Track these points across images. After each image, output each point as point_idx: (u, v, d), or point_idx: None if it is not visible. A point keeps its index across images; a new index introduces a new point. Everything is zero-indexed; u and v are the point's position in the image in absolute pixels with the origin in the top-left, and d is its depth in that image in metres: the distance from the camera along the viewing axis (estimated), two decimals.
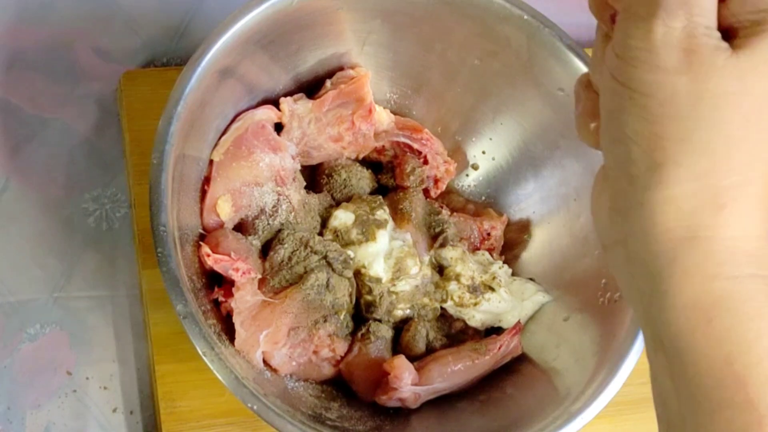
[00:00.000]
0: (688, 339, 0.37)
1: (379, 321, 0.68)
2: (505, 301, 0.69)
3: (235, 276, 0.62)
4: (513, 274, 0.72)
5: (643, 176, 0.37)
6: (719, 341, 0.36)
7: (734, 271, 0.36)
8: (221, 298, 0.63)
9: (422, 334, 0.68)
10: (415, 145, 0.72)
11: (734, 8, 0.36)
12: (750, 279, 0.36)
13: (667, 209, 0.37)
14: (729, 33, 0.37)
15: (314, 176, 0.72)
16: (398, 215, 0.70)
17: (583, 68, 0.67)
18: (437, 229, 0.71)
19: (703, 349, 0.36)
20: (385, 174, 0.74)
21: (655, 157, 0.36)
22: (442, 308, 0.70)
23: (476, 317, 0.69)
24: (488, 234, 0.73)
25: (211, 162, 0.65)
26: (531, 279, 0.72)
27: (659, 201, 0.37)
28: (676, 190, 0.36)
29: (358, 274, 0.67)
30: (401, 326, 0.69)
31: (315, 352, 0.65)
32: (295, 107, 0.68)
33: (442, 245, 0.70)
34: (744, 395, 0.35)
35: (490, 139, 0.74)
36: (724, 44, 0.36)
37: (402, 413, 0.66)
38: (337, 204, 0.70)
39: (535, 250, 0.73)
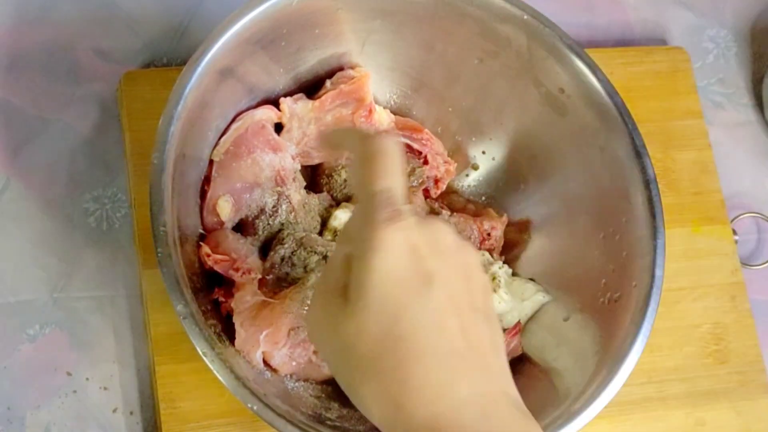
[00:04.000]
0: None
1: None
2: (505, 302, 0.69)
3: (235, 276, 0.62)
4: (513, 274, 0.72)
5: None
6: None
7: None
8: (221, 299, 0.63)
9: None
10: (415, 145, 0.72)
11: None
12: None
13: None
14: None
15: (314, 176, 0.72)
16: None
17: (583, 68, 0.67)
18: None
19: None
20: None
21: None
22: None
23: None
24: (488, 234, 0.72)
25: (211, 162, 0.65)
26: (531, 279, 0.71)
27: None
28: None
29: None
30: None
31: (315, 352, 0.65)
32: (295, 107, 0.68)
33: None
34: None
35: (491, 139, 0.74)
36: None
37: None
38: (337, 204, 0.70)
39: (535, 250, 0.73)
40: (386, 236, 0.44)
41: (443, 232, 0.47)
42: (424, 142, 0.72)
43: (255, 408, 0.56)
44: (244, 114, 0.66)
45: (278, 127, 0.69)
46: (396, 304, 0.44)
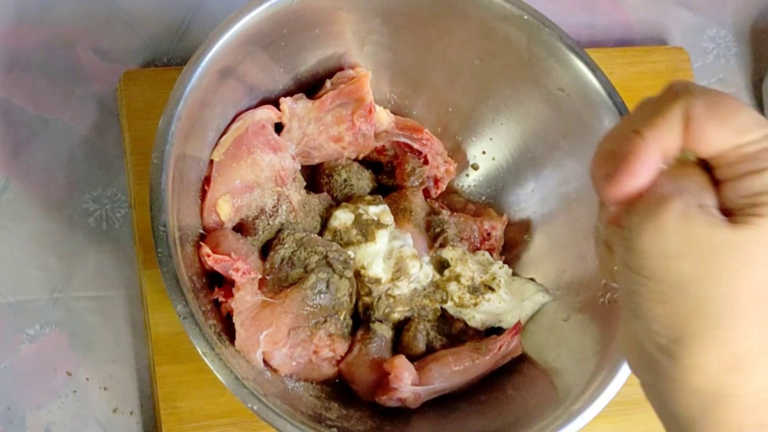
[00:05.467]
0: None
1: (380, 321, 0.68)
2: (505, 302, 0.69)
3: (236, 276, 0.62)
4: (513, 274, 0.72)
5: (667, 347, 0.40)
6: None
7: (760, 421, 0.40)
8: (221, 299, 0.63)
9: (422, 334, 0.68)
10: (415, 145, 0.72)
11: (728, 193, 0.40)
12: None
13: (694, 374, 0.39)
14: (727, 212, 0.40)
15: (314, 176, 0.72)
16: (398, 215, 0.70)
17: (583, 68, 0.67)
18: (437, 229, 0.71)
19: None
20: (385, 174, 0.74)
21: (676, 332, 0.39)
22: (442, 309, 0.70)
23: (476, 317, 0.69)
24: (488, 234, 0.72)
25: (211, 162, 0.65)
26: (531, 279, 0.71)
27: (685, 367, 0.40)
28: (700, 359, 0.39)
29: (357, 274, 0.67)
30: (401, 326, 0.69)
31: (315, 352, 0.65)
32: (295, 107, 0.68)
33: (442, 245, 0.70)
34: None
35: (491, 139, 0.74)
36: (721, 220, 0.39)
37: (402, 413, 0.66)
38: (337, 204, 0.70)
39: (535, 250, 0.73)
40: None
41: None
42: (424, 142, 0.72)
43: (255, 408, 0.56)
44: (244, 114, 0.66)
45: (278, 127, 0.69)
46: None
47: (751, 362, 0.39)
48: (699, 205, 0.39)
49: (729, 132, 0.39)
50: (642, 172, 0.40)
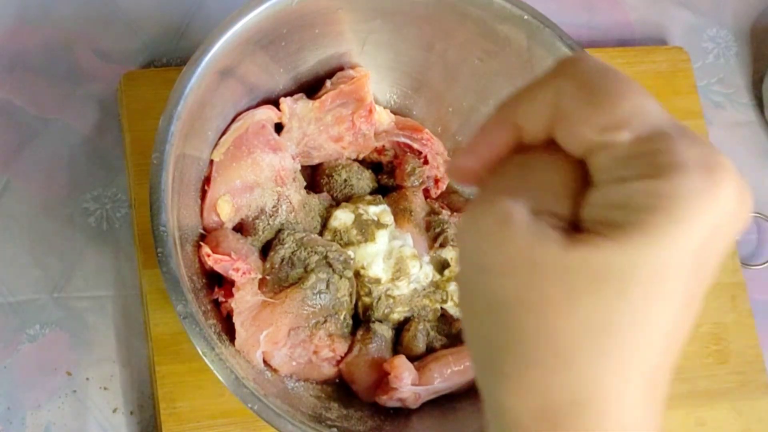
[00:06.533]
0: None
1: (380, 321, 0.68)
2: None
3: (236, 276, 0.62)
4: None
5: (485, 376, 0.33)
6: None
7: None
8: (221, 299, 0.63)
9: (422, 334, 0.68)
10: (416, 145, 0.72)
11: (588, 202, 0.31)
12: None
13: (506, 415, 0.32)
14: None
15: (314, 176, 0.72)
16: (398, 215, 0.70)
17: None
18: (437, 229, 0.71)
19: None
20: (385, 174, 0.74)
21: (490, 365, 0.32)
22: (442, 309, 0.70)
23: None
24: None
25: (211, 162, 0.65)
26: None
27: (498, 405, 0.33)
28: (509, 402, 0.32)
29: (357, 274, 0.67)
30: (401, 326, 0.69)
31: (315, 352, 0.65)
32: (295, 107, 0.68)
33: (442, 245, 0.70)
34: None
35: None
36: (558, 235, 0.30)
37: (402, 413, 0.66)
38: (337, 204, 0.70)
39: None
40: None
41: None
42: (424, 142, 0.72)
43: (255, 408, 0.56)
44: (244, 114, 0.66)
45: (278, 127, 0.69)
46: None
47: (569, 417, 0.31)
48: (536, 212, 0.30)
49: (598, 126, 0.30)
50: (480, 149, 0.33)
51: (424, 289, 0.69)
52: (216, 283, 0.64)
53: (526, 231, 0.30)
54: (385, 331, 0.67)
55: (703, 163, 0.29)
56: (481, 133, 0.33)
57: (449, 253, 0.70)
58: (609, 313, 0.29)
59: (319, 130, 0.69)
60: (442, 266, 0.70)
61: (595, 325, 0.30)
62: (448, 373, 0.66)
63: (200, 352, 0.56)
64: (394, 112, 0.73)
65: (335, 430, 0.60)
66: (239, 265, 0.62)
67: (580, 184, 0.31)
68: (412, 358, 0.66)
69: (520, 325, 0.30)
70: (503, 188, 0.32)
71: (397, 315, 0.68)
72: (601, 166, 0.30)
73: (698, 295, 0.31)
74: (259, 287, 0.63)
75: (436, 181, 0.74)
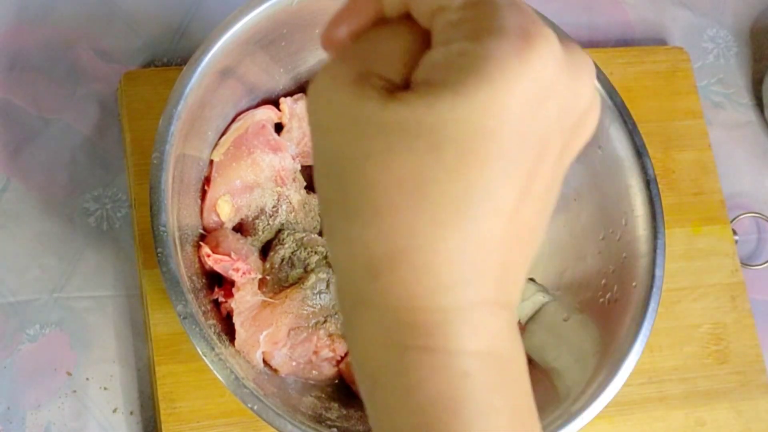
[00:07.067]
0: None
1: None
2: None
3: (235, 276, 0.62)
4: None
5: (328, 228, 0.34)
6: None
7: (391, 341, 0.33)
8: (221, 299, 0.63)
9: None
10: None
11: (421, 64, 0.31)
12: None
13: (338, 273, 0.34)
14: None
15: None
16: None
17: None
18: None
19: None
20: None
21: (325, 220, 0.34)
22: None
23: None
24: None
25: (211, 162, 0.65)
26: (531, 279, 0.71)
27: (334, 267, 0.34)
28: (338, 257, 0.33)
29: None
30: None
31: (315, 353, 0.65)
32: (295, 107, 0.68)
33: None
34: None
35: None
36: (379, 93, 0.31)
37: None
38: None
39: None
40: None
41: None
42: None
43: (255, 408, 0.56)
44: (244, 114, 0.66)
45: (278, 127, 0.69)
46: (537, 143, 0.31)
47: (386, 270, 0.31)
48: (365, 74, 0.32)
49: None
50: (348, 20, 0.36)
51: None
52: (216, 283, 0.64)
53: (348, 89, 0.31)
54: None
55: (522, 30, 0.30)
56: (348, 6, 0.36)
57: None
58: (421, 169, 0.30)
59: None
60: None
61: (408, 179, 0.30)
62: None
63: (200, 353, 0.56)
64: None
65: (335, 430, 0.60)
66: (239, 265, 0.62)
67: (424, 51, 0.32)
68: None
69: (346, 181, 0.31)
70: (347, 55, 0.34)
71: None
72: (435, 29, 0.32)
73: (542, 175, 0.32)
74: (259, 287, 0.63)
75: None
